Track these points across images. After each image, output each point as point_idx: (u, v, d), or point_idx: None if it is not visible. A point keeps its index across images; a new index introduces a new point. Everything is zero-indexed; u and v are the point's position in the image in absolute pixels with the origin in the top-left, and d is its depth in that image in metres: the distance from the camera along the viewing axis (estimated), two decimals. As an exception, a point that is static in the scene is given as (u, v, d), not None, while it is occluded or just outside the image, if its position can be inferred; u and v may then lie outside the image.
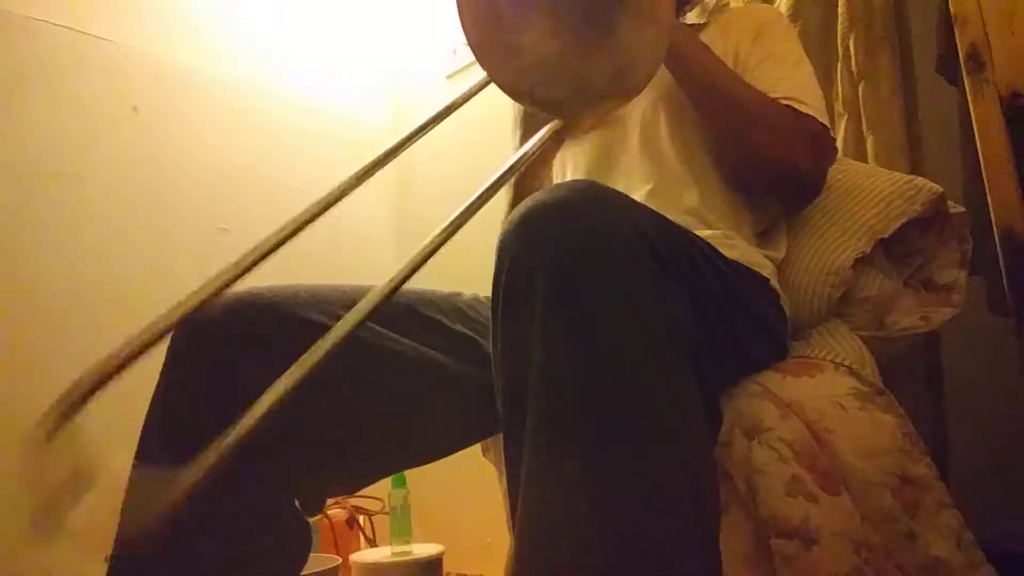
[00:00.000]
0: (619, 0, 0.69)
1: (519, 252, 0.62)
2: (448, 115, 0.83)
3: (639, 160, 1.07)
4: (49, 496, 0.47)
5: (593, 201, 0.63)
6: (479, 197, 0.65)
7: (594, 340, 0.58)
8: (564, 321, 0.58)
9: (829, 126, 1.03)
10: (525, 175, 1.12)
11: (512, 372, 0.62)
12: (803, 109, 1.00)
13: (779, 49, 1.07)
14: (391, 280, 0.59)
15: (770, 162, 0.99)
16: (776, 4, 1.48)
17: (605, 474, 0.56)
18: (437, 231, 0.62)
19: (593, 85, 0.71)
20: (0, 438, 1.47)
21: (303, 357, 0.53)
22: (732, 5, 1.51)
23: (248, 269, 0.64)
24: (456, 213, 0.64)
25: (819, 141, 1.02)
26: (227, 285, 0.63)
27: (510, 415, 0.62)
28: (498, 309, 0.64)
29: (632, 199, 0.70)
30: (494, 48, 0.72)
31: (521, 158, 0.73)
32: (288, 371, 0.53)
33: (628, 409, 0.58)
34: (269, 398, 0.51)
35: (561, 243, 0.60)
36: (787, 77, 1.04)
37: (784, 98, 1.00)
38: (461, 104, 0.84)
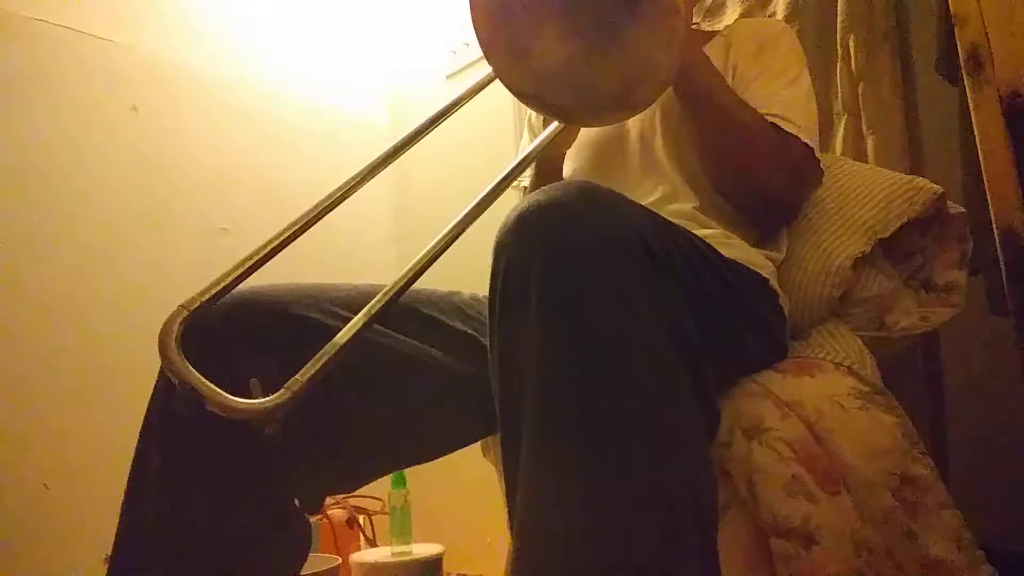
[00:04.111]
0: (632, 11, 0.68)
1: (515, 252, 0.62)
2: (454, 111, 0.83)
3: (639, 174, 1.07)
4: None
5: (589, 201, 0.63)
6: (484, 197, 0.66)
7: (590, 341, 0.58)
8: (560, 322, 0.58)
9: (815, 147, 1.02)
10: (545, 170, 1.12)
11: (508, 373, 0.62)
12: (787, 128, 0.98)
13: (777, 65, 1.06)
14: (400, 278, 0.61)
15: (747, 181, 0.98)
16: (774, 4, 1.48)
17: (602, 475, 0.56)
18: (444, 232, 0.63)
19: (601, 95, 0.71)
20: (2, 438, 1.48)
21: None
22: (729, 9, 1.51)
23: (256, 268, 0.66)
24: (462, 214, 0.64)
25: (798, 163, 1.00)
26: (235, 283, 0.65)
27: (507, 415, 0.62)
28: (494, 309, 0.64)
29: (629, 199, 0.70)
30: (503, 49, 0.72)
31: (523, 160, 0.74)
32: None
33: (624, 410, 0.58)
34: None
35: (557, 243, 0.60)
36: (779, 94, 1.02)
37: (771, 115, 0.99)
38: (468, 99, 0.85)
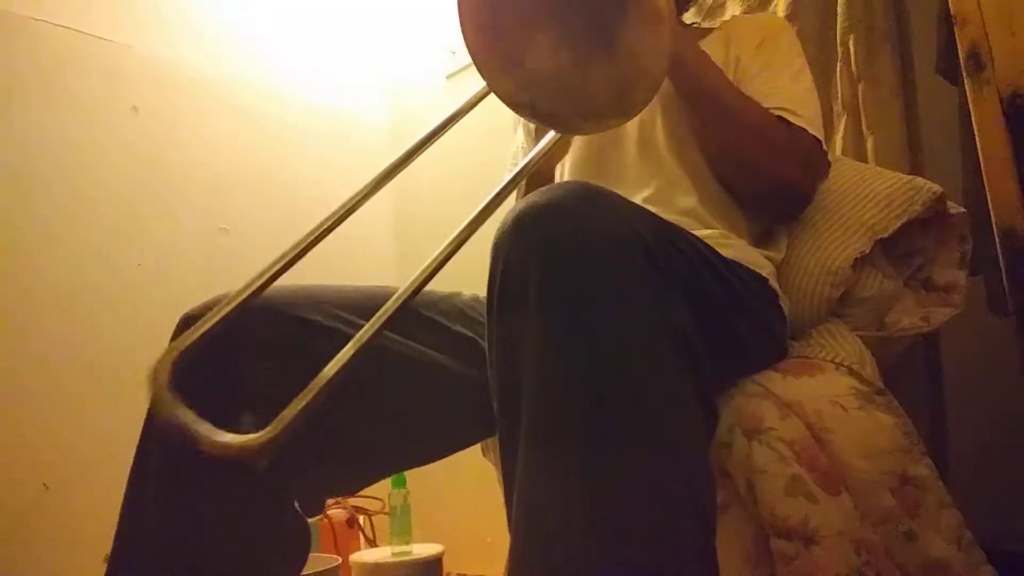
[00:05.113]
0: (622, 16, 0.69)
1: (513, 253, 0.61)
2: (451, 125, 0.84)
3: (637, 166, 1.07)
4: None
5: (587, 202, 0.63)
6: (489, 203, 0.65)
7: (588, 341, 0.58)
8: (558, 322, 0.58)
9: (823, 139, 1.03)
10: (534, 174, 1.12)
11: (506, 373, 0.62)
12: (796, 121, 1.00)
13: (780, 59, 1.07)
14: (409, 285, 0.60)
15: (759, 174, 1.00)
16: (774, 4, 1.48)
17: (600, 474, 0.56)
18: (449, 239, 0.63)
19: (594, 101, 0.71)
20: (2, 438, 1.49)
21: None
22: (728, 10, 1.51)
23: (271, 280, 0.65)
24: (468, 220, 0.64)
25: (809, 154, 1.02)
26: (254, 294, 0.64)
27: (505, 415, 0.62)
28: (492, 310, 0.64)
29: (627, 200, 0.70)
30: (495, 59, 0.72)
31: (528, 164, 0.74)
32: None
33: (623, 409, 0.57)
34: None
35: (555, 244, 0.60)
36: (784, 88, 1.04)
37: (778, 108, 1.00)
38: (464, 114, 0.85)
